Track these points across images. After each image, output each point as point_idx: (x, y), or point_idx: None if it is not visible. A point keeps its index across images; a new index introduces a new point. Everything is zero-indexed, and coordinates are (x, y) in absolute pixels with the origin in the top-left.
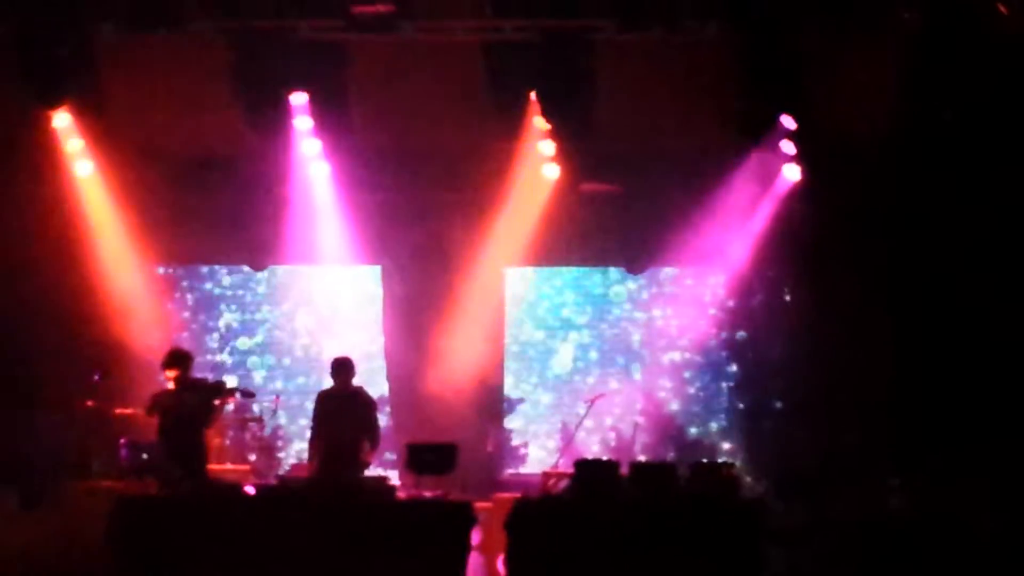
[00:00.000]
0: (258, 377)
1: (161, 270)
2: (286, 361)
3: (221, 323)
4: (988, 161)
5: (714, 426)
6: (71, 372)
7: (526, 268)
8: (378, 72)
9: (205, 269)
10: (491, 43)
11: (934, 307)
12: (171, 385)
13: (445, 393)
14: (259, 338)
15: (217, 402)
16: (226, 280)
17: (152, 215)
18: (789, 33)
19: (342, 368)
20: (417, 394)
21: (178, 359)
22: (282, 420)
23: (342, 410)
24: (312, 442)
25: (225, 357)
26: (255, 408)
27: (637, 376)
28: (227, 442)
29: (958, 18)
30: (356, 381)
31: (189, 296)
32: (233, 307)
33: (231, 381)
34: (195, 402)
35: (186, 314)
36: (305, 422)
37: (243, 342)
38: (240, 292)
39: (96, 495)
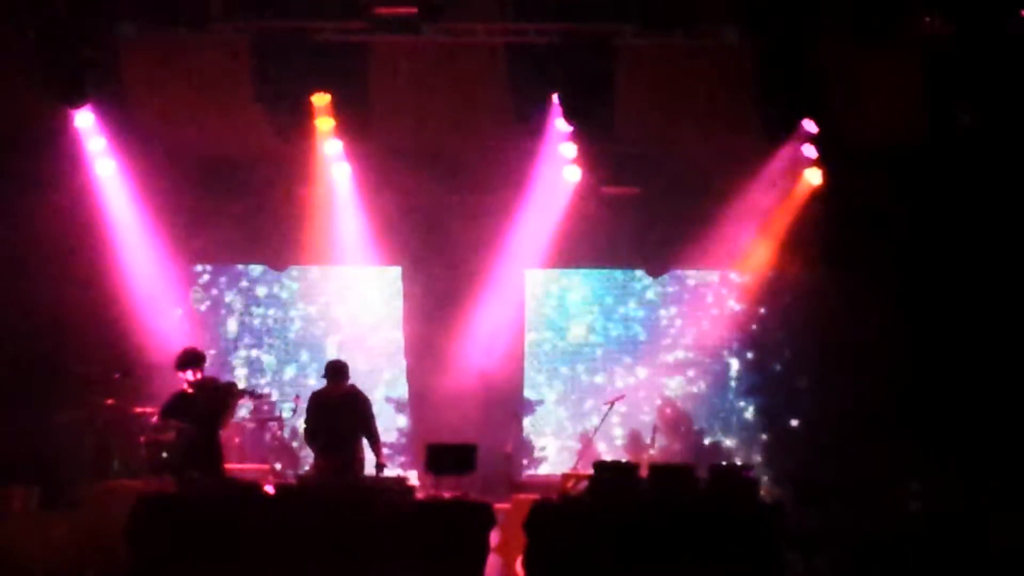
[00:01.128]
0: (290, 373)
1: (199, 267)
2: (318, 358)
3: (256, 320)
4: (1009, 166)
5: (730, 429)
6: (92, 371)
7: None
8: (400, 74)
9: (240, 267)
10: (513, 46)
11: (956, 312)
12: (185, 385)
13: (465, 394)
14: (292, 335)
15: (230, 402)
16: (261, 277)
17: (172, 214)
18: (809, 37)
19: (335, 371)
20: (437, 395)
21: (192, 360)
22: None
23: (338, 410)
24: (306, 442)
25: (258, 353)
26: (279, 408)
27: (643, 375)
28: (246, 442)
29: (980, 24)
30: (387, 377)
31: (227, 293)
32: (268, 304)
33: (262, 378)
34: (208, 403)
35: (222, 311)
36: None
37: (276, 339)
38: (275, 289)
39: (116, 494)
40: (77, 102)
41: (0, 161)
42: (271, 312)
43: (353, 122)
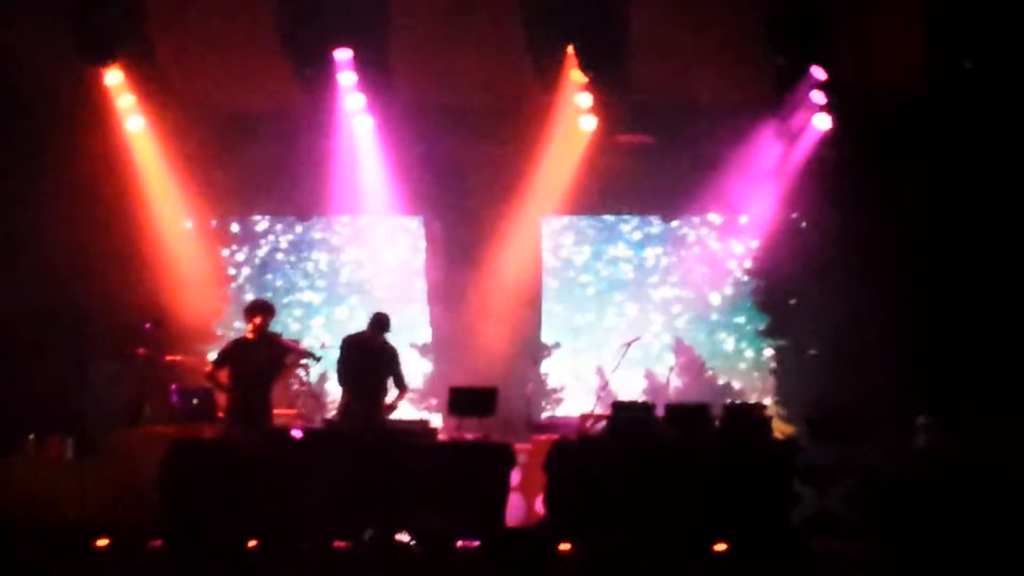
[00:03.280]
0: (341, 314)
1: (257, 216)
2: (367, 300)
3: (309, 264)
4: (1010, 110)
5: (741, 368)
6: (124, 322)
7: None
8: (420, 28)
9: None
10: None
11: (962, 249)
12: (249, 333)
13: (485, 339)
14: (343, 278)
15: (289, 360)
16: (314, 224)
17: (200, 168)
18: None
19: (379, 324)
20: (458, 340)
21: (260, 308)
22: None
23: (367, 358)
24: (339, 382)
25: (313, 295)
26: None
27: (632, 313)
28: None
29: None
30: None
31: (282, 239)
32: (321, 249)
33: (315, 319)
34: (267, 356)
35: (279, 255)
36: None
37: (328, 282)
38: (327, 234)
39: (148, 441)
40: (107, 60)
41: (36, 120)
42: (323, 257)
43: (374, 77)
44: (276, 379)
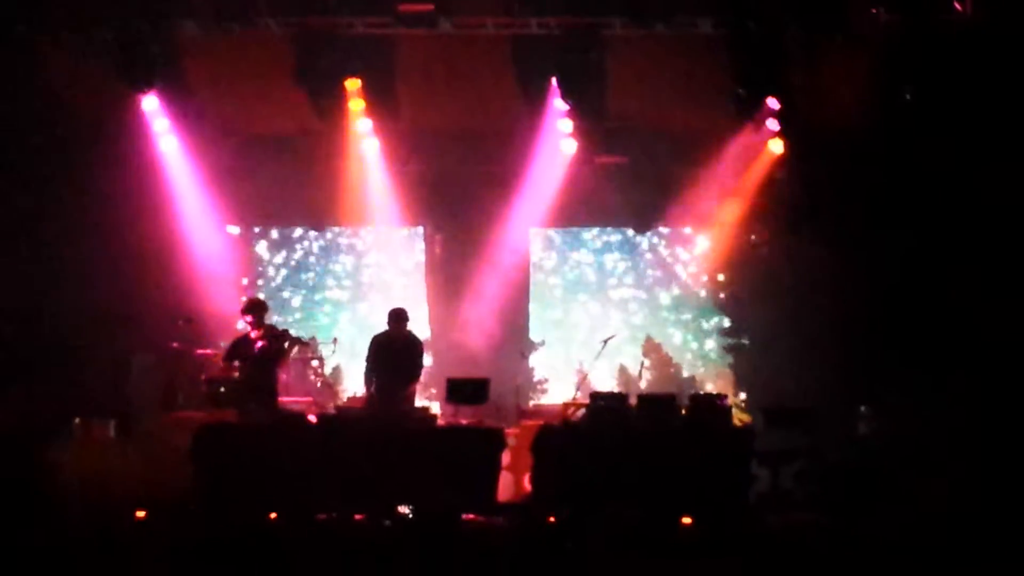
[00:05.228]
0: (362, 310)
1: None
2: (387, 298)
3: (337, 266)
4: (947, 136)
5: (687, 358)
6: (160, 319)
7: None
8: (421, 62)
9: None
10: (518, 36)
11: (897, 259)
12: (248, 328)
13: (479, 335)
14: (365, 279)
15: (287, 345)
16: (342, 232)
17: (226, 183)
18: (774, 27)
19: (398, 317)
20: (456, 337)
21: (256, 306)
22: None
23: (395, 352)
24: (368, 377)
25: (341, 294)
26: (320, 349)
27: (594, 311)
28: (292, 378)
29: (920, 14)
30: None
31: (315, 244)
32: (348, 253)
33: (342, 314)
34: (268, 345)
35: (312, 258)
36: None
37: (352, 282)
38: (353, 240)
39: (181, 424)
40: (144, 89)
41: (82, 141)
42: (349, 260)
43: (381, 103)
44: (278, 364)
